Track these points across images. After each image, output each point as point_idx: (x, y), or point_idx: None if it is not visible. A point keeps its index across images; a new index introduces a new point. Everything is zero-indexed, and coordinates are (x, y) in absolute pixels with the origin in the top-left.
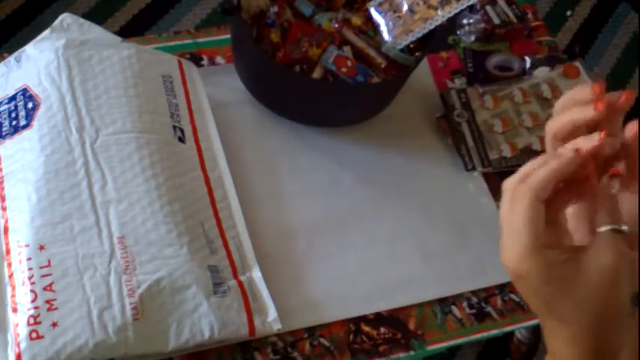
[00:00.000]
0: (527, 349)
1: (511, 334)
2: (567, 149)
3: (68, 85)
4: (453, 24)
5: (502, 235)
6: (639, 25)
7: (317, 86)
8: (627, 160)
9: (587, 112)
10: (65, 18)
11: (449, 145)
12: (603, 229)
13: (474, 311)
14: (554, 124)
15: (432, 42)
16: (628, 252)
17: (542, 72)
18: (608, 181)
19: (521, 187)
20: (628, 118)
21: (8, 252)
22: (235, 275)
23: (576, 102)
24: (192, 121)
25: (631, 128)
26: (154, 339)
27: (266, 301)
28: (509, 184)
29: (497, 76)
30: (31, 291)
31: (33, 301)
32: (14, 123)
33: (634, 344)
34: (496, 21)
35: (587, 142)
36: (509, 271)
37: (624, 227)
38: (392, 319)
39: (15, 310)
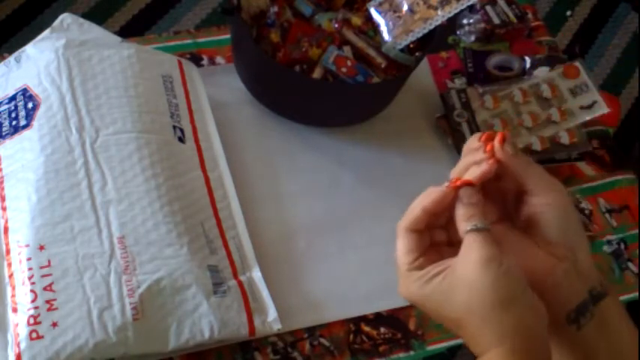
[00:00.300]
0: None
1: None
2: (438, 187)
3: (68, 85)
4: (453, 24)
5: None
6: (639, 25)
7: (317, 86)
8: (505, 173)
9: (477, 156)
10: (65, 18)
11: (449, 145)
12: (464, 232)
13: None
14: (455, 170)
15: (432, 42)
16: (492, 243)
17: (542, 72)
18: (456, 191)
19: (399, 224)
20: (628, 118)
21: (8, 252)
22: (235, 275)
23: (470, 149)
24: (192, 121)
25: (497, 149)
26: (154, 339)
27: (266, 301)
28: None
29: (497, 76)
30: (31, 291)
31: (33, 301)
32: (14, 123)
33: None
34: (496, 21)
35: (476, 171)
36: (406, 300)
37: (480, 225)
38: (392, 319)
39: (15, 310)
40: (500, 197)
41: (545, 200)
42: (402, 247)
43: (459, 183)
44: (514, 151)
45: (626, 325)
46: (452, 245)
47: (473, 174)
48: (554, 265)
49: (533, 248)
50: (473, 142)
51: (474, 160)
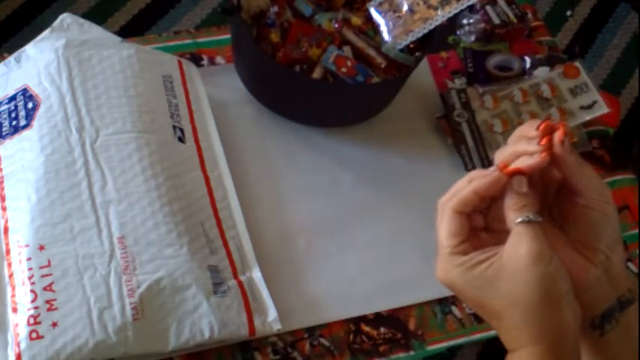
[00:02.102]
0: None
1: None
2: (487, 171)
3: (68, 85)
4: (453, 24)
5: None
6: (639, 25)
7: (317, 86)
8: (559, 169)
9: (531, 147)
10: (65, 18)
11: (449, 145)
12: (514, 222)
13: (474, 311)
14: (502, 155)
15: (432, 42)
16: (543, 238)
17: (542, 72)
18: (510, 179)
19: (445, 203)
20: (628, 118)
21: (8, 252)
22: (235, 275)
23: (524, 136)
24: (192, 121)
25: (557, 146)
26: (153, 339)
27: (266, 301)
28: (439, 202)
29: (497, 76)
30: (31, 291)
31: (33, 301)
32: (14, 123)
33: None
34: (496, 21)
35: (528, 161)
36: (443, 284)
37: (532, 217)
38: (392, 319)
39: (15, 310)
40: (541, 188)
41: (595, 206)
42: (447, 229)
43: (512, 170)
44: (570, 147)
45: None
46: (489, 231)
47: (523, 164)
48: (587, 269)
49: (568, 247)
50: (529, 130)
51: (526, 150)
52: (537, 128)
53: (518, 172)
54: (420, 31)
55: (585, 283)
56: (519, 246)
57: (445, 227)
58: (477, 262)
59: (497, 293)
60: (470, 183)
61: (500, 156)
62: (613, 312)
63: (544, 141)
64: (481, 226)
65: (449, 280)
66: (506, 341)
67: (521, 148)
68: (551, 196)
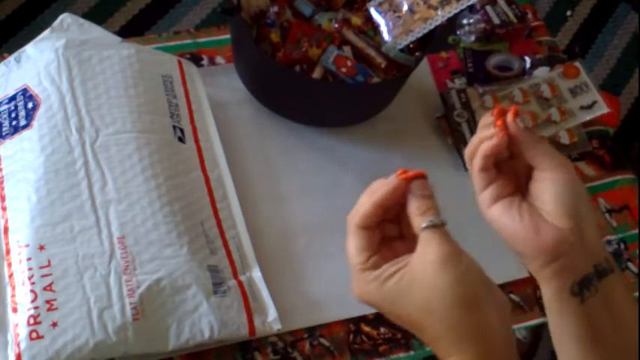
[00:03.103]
0: (527, 349)
1: None
2: (386, 180)
3: (68, 85)
4: (453, 24)
5: None
6: (639, 25)
7: (317, 86)
8: (514, 147)
9: (490, 130)
10: (65, 18)
11: (449, 145)
12: (420, 228)
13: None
14: (468, 147)
15: (432, 42)
16: (449, 240)
17: (542, 72)
18: (407, 183)
19: (350, 220)
20: (628, 118)
21: (8, 252)
22: (235, 275)
23: (483, 125)
24: (192, 121)
25: (509, 122)
26: (154, 339)
27: (266, 301)
28: (347, 218)
29: (497, 76)
30: (31, 291)
31: (33, 301)
32: (14, 123)
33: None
34: (496, 21)
35: (488, 144)
36: (361, 302)
37: (435, 220)
38: None
39: (15, 310)
40: (512, 172)
41: (551, 175)
42: (354, 246)
43: (410, 174)
44: (524, 125)
45: (632, 304)
46: (404, 239)
47: (485, 148)
48: (562, 237)
49: (543, 221)
50: (486, 118)
51: (486, 135)
52: (492, 113)
53: (417, 176)
54: (420, 31)
55: (559, 249)
56: (427, 252)
57: (352, 244)
58: (388, 274)
59: (413, 304)
60: (370, 196)
61: (467, 149)
62: (591, 279)
63: (499, 122)
64: (395, 234)
65: (365, 297)
66: (435, 351)
67: (481, 134)
68: (522, 180)
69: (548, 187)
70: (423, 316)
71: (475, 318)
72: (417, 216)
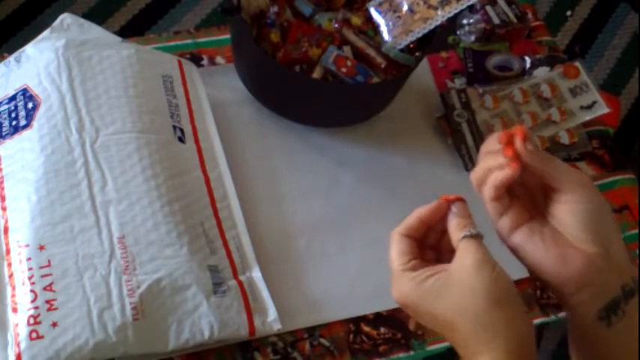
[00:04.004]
0: None
1: None
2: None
3: (68, 85)
4: (453, 24)
5: None
6: (639, 25)
7: (317, 86)
8: (527, 172)
9: (499, 159)
10: (65, 18)
11: (449, 145)
12: (459, 239)
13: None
14: (475, 174)
15: (432, 42)
16: (485, 249)
17: (542, 72)
18: (451, 205)
19: (394, 231)
20: (628, 118)
21: (8, 252)
22: (235, 275)
23: (489, 152)
24: (192, 121)
25: (521, 150)
26: (154, 339)
27: (266, 301)
28: (390, 234)
29: (497, 76)
30: (31, 291)
31: (33, 301)
32: (14, 123)
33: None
34: (496, 21)
35: (499, 175)
36: (399, 304)
37: (474, 232)
38: (392, 319)
39: (15, 310)
40: (527, 194)
41: (573, 197)
42: (396, 250)
43: (452, 197)
44: (535, 148)
45: None
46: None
47: (495, 179)
48: (588, 262)
49: (567, 245)
50: (492, 144)
51: (494, 165)
52: (499, 141)
53: (458, 200)
54: (420, 31)
55: (587, 276)
56: (464, 258)
57: (394, 250)
58: (426, 276)
59: (447, 303)
60: (416, 211)
61: (474, 176)
62: (619, 302)
63: (509, 152)
64: (432, 259)
65: (403, 296)
66: (463, 351)
67: (489, 163)
68: (539, 200)
69: (572, 210)
70: (457, 315)
71: (506, 317)
72: (457, 230)
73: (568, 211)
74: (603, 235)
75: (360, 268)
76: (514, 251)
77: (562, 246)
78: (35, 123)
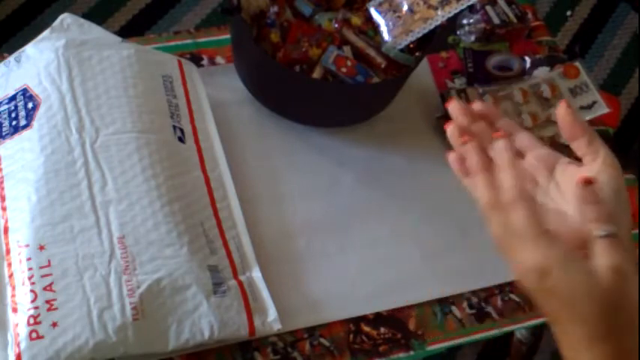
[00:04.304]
0: (527, 349)
1: (511, 334)
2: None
3: (68, 85)
4: (453, 24)
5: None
6: (639, 25)
7: (317, 86)
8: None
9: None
10: (65, 18)
11: (449, 145)
12: (597, 234)
13: (473, 311)
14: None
15: (432, 42)
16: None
17: (542, 72)
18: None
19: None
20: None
21: (8, 252)
22: (235, 275)
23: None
24: (192, 121)
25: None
26: (153, 339)
27: (266, 301)
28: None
29: (497, 76)
30: (31, 291)
31: (33, 301)
32: (14, 123)
33: None
34: (496, 21)
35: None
36: (535, 270)
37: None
38: (392, 319)
39: (15, 310)
40: (523, 174)
41: (601, 168)
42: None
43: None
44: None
45: None
46: None
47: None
48: (586, 237)
49: (569, 219)
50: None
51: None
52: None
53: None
54: (420, 31)
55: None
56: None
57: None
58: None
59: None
60: None
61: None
62: None
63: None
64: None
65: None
66: (571, 349)
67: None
68: (541, 180)
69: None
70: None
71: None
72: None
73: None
74: (619, 214)
75: (360, 268)
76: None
77: (563, 225)
78: (35, 123)
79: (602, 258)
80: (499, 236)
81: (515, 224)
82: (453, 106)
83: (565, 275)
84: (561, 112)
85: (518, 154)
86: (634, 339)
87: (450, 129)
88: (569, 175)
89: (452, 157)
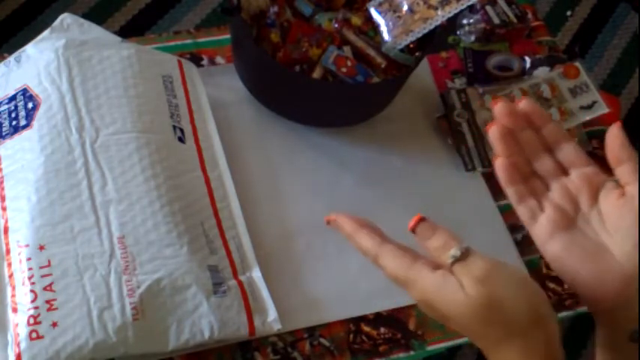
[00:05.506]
0: None
1: None
2: None
3: (68, 85)
4: (453, 24)
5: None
6: (639, 25)
7: (317, 86)
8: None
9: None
10: (65, 18)
11: (449, 145)
12: (449, 262)
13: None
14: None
15: (432, 42)
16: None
17: (542, 72)
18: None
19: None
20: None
21: (8, 252)
22: (235, 275)
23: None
24: (192, 121)
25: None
26: (153, 339)
27: (266, 301)
28: None
29: (497, 76)
30: (31, 291)
31: (33, 301)
32: (14, 123)
33: None
34: (496, 21)
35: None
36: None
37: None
38: (392, 319)
39: (15, 310)
40: (567, 196)
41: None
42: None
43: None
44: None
45: None
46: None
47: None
48: (627, 283)
49: (607, 263)
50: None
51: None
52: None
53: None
54: (420, 31)
55: (624, 297)
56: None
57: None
58: None
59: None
60: None
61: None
62: None
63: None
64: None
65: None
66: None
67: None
68: (583, 202)
69: (629, 212)
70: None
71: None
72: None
73: (621, 214)
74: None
75: (360, 268)
76: (551, 261)
77: (602, 262)
78: (35, 123)
79: (463, 277)
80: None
81: (388, 272)
82: (500, 108)
83: (441, 299)
84: (613, 132)
85: (562, 170)
86: (534, 340)
87: (493, 131)
88: (610, 205)
89: (499, 163)
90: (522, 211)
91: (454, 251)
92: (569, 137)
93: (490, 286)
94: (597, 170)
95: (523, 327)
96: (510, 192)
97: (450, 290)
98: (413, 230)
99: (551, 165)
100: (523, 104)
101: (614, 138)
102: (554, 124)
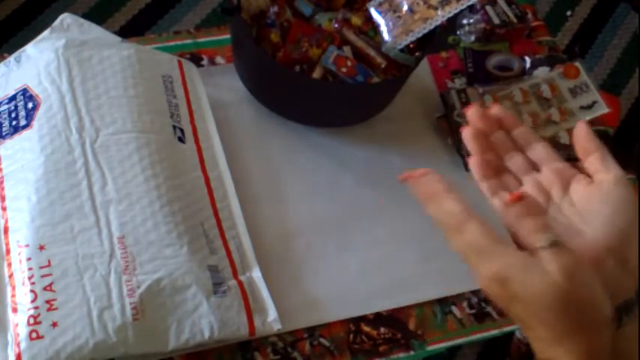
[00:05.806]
0: (527, 349)
1: (511, 334)
2: None
3: (68, 85)
4: (453, 24)
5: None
6: (639, 25)
7: (317, 86)
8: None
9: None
10: (65, 18)
11: (449, 145)
12: (540, 245)
13: (473, 311)
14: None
15: (432, 42)
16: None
17: (542, 72)
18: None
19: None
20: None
21: (8, 252)
22: (235, 275)
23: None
24: (192, 121)
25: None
26: (153, 339)
27: (266, 301)
28: None
29: (497, 76)
30: (31, 291)
31: (33, 301)
32: (14, 123)
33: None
34: (496, 21)
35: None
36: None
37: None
38: (392, 319)
39: (15, 310)
40: (538, 188)
41: (610, 187)
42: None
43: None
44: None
45: None
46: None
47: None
48: (604, 257)
49: (581, 239)
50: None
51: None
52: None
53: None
54: (420, 31)
55: (604, 271)
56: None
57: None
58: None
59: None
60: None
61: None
62: (632, 305)
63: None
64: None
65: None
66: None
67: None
68: (555, 193)
69: (604, 197)
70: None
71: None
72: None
73: (599, 199)
74: (624, 235)
75: (360, 268)
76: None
77: (574, 244)
78: (35, 123)
79: (551, 264)
80: (460, 253)
81: (469, 240)
82: (472, 113)
83: (522, 279)
84: (580, 127)
85: (534, 166)
86: (599, 339)
87: (466, 132)
88: (580, 192)
89: (473, 160)
90: (496, 203)
91: (551, 235)
92: (540, 139)
93: (579, 277)
94: (568, 166)
95: (596, 325)
96: (484, 187)
97: (536, 272)
98: (515, 200)
99: (523, 162)
100: (494, 110)
101: (581, 131)
102: (525, 127)
